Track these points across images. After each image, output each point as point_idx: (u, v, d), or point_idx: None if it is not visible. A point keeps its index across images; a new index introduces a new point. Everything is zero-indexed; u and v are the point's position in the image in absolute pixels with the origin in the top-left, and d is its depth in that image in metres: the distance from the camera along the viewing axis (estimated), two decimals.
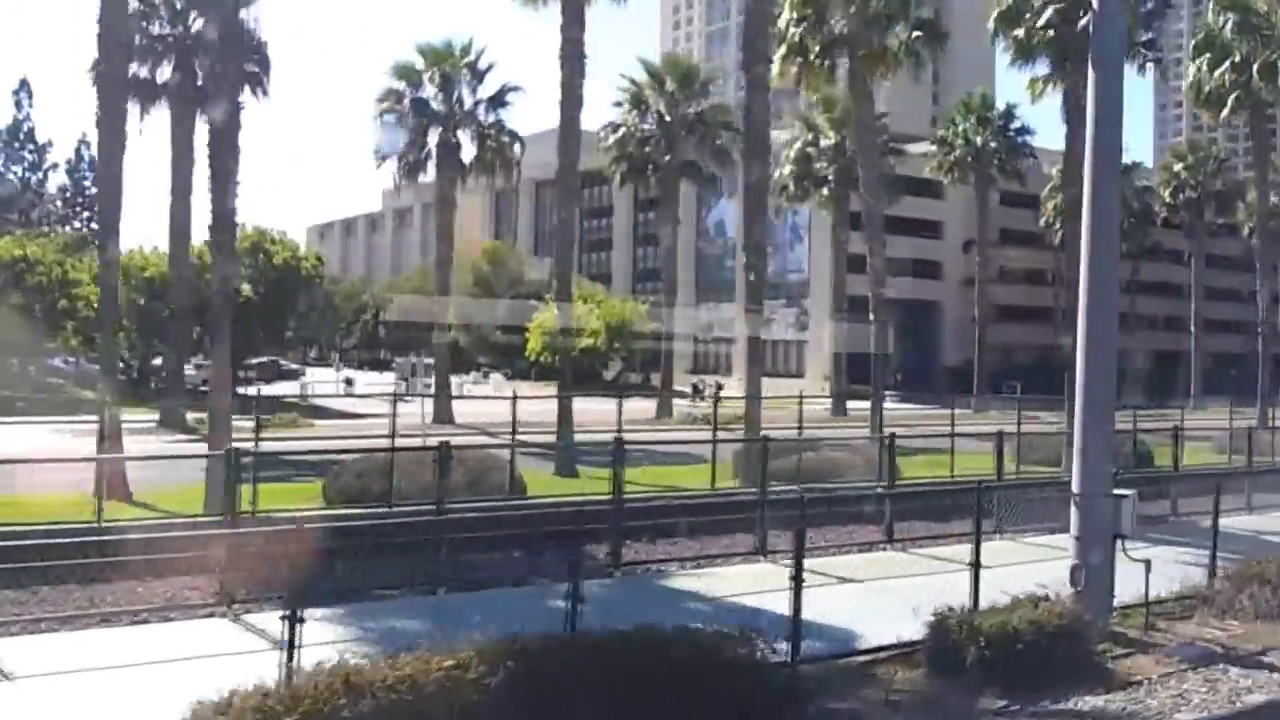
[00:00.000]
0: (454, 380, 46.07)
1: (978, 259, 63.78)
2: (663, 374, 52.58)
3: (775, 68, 30.41)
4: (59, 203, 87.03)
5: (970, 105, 62.76)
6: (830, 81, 36.46)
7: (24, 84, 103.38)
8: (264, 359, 64.32)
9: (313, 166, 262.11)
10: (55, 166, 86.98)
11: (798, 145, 54.05)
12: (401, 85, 42.66)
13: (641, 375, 79.41)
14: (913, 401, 55.71)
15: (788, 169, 54.05)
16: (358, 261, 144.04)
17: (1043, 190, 67.61)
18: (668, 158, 51.01)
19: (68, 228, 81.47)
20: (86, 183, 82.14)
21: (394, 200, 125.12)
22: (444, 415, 38.69)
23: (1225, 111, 41.42)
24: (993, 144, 61.11)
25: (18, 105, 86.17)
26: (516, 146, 44.19)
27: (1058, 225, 56.78)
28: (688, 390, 64.64)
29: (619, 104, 52.27)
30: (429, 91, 42.95)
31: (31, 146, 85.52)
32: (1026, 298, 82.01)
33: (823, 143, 53.88)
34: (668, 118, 51.32)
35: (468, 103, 43.11)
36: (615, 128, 51.58)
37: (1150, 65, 33.04)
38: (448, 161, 42.58)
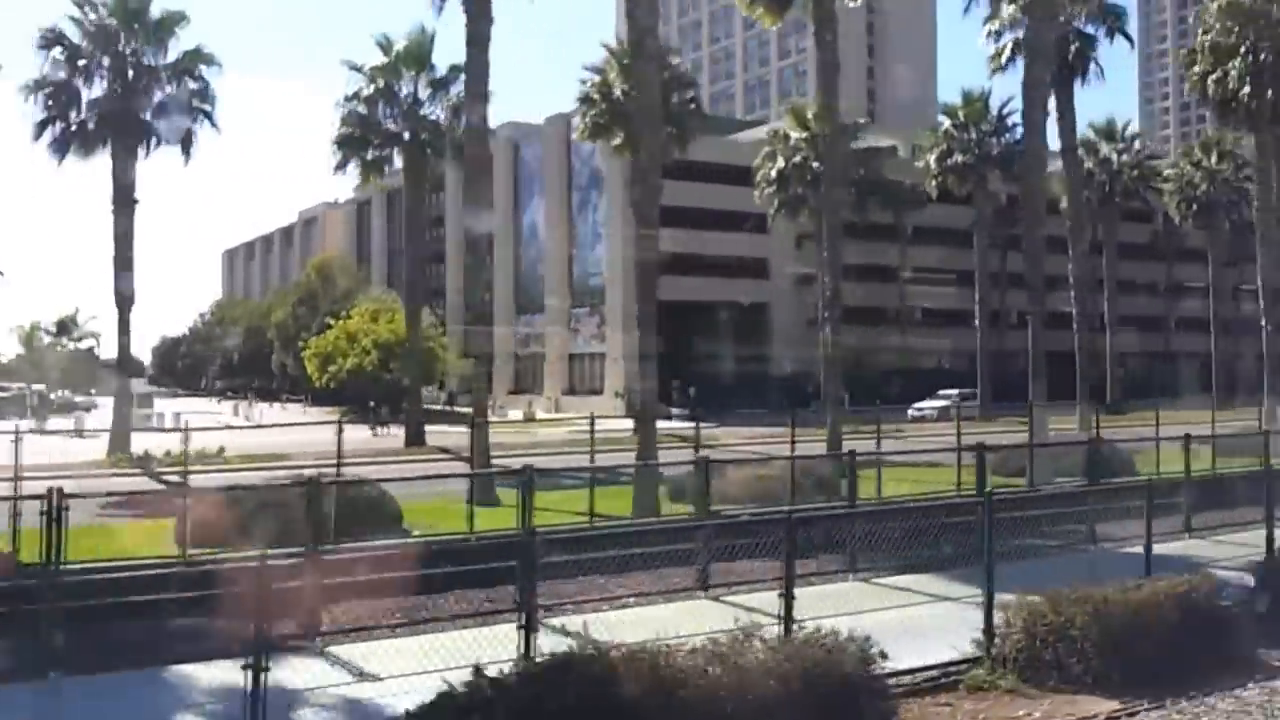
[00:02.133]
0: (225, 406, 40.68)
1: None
2: (477, 396, 47.10)
3: None
4: None
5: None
6: None
7: None
8: None
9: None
10: None
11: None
12: None
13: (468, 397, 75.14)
14: (728, 421, 51.65)
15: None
16: (258, 284, 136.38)
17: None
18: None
19: None
20: None
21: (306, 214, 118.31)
22: (121, 446, 33.49)
23: None
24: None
25: None
26: None
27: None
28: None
29: None
30: None
31: None
32: (868, 297, 74.61)
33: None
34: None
35: None
36: None
37: None
38: None
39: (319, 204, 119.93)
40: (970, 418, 42.16)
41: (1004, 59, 37.52)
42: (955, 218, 64.86)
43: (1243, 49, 32.53)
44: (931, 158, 57.58)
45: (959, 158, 56.38)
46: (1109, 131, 62.91)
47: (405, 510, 18.12)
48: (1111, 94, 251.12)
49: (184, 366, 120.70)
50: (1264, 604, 11.64)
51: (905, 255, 73.59)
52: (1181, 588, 10.68)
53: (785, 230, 65.26)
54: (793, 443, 27.72)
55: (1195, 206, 65.31)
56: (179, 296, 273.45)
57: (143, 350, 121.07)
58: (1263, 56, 32.25)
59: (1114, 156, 62.66)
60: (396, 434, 46.50)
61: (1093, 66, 38.19)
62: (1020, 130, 43.51)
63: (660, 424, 36.40)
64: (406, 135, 44.98)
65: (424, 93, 44.80)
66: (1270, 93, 32.14)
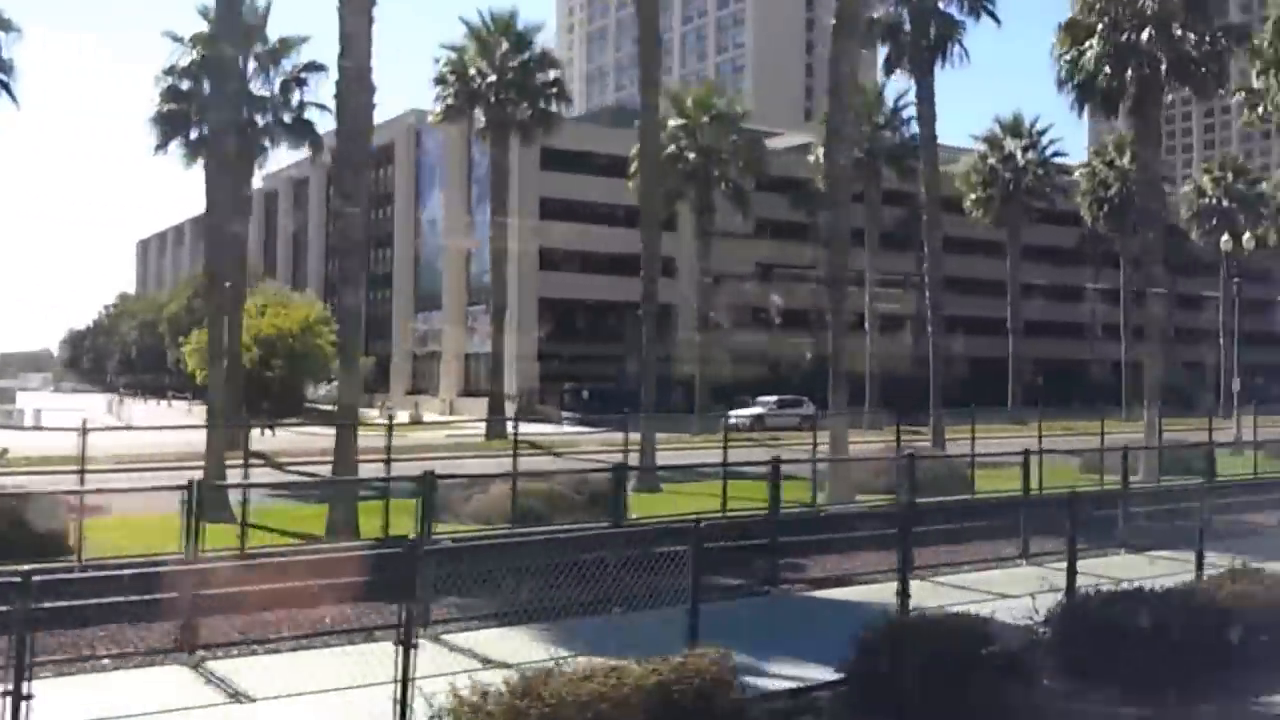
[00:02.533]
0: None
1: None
2: (344, 397, 43.92)
3: None
4: None
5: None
6: None
7: None
8: None
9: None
10: None
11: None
12: None
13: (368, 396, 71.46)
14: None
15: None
16: (170, 275, 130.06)
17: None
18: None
19: None
20: None
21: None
22: None
23: None
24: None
25: None
26: None
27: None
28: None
29: None
30: None
31: None
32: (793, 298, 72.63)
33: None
34: None
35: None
36: None
37: None
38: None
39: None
40: (790, 428, 39.08)
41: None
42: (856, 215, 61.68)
43: (1100, 28, 29.57)
44: (820, 151, 54.04)
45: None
46: (1015, 127, 60.12)
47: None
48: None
49: (88, 361, 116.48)
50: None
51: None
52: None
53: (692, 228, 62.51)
54: (627, 451, 25.17)
55: (1107, 208, 62.71)
56: (96, 288, 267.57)
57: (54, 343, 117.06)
58: (1124, 36, 29.36)
59: (1019, 153, 59.86)
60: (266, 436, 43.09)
61: (956, 50, 34.98)
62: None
63: (537, 428, 34.05)
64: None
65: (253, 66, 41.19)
66: (1130, 74, 29.28)
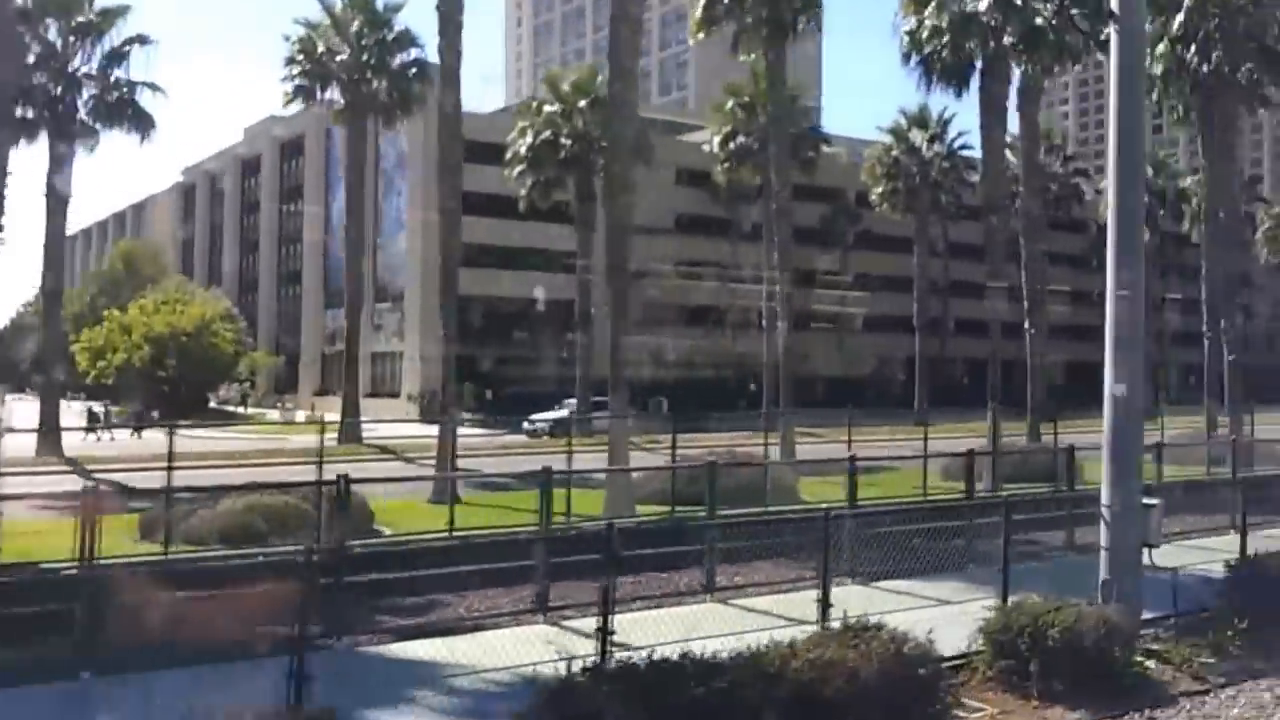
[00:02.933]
0: None
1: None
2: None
3: None
4: None
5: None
6: None
7: None
8: None
9: None
10: None
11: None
12: None
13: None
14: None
15: None
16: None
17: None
18: None
19: None
20: None
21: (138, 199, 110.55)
22: None
23: None
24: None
25: None
26: None
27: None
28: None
29: None
30: None
31: None
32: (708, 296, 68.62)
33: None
34: None
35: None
36: None
37: None
38: None
39: (166, 188, 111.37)
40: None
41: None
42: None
43: None
44: (716, 141, 51.58)
45: (743, 139, 49.95)
46: (921, 119, 57.65)
47: None
48: None
49: (2, 360, 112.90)
50: None
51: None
52: None
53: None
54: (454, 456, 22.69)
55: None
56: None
57: None
58: (963, 4, 26.92)
59: (924, 145, 57.47)
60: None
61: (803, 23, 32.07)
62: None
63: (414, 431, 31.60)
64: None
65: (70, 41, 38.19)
66: (972, 47, 26.85)
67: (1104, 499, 11.72)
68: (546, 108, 47.41)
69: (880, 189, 57.76)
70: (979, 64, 27.64)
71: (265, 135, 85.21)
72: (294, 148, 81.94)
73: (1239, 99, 33.69)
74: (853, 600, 11.51)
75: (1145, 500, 12.15)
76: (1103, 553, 11.60)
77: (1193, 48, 30.43)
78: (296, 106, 47.79)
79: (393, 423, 45.35)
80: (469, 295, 61.92)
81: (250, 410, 72.39)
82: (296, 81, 42.97)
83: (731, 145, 50.34)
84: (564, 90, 47.64)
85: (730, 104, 50.08)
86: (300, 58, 42.61)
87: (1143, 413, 12.49)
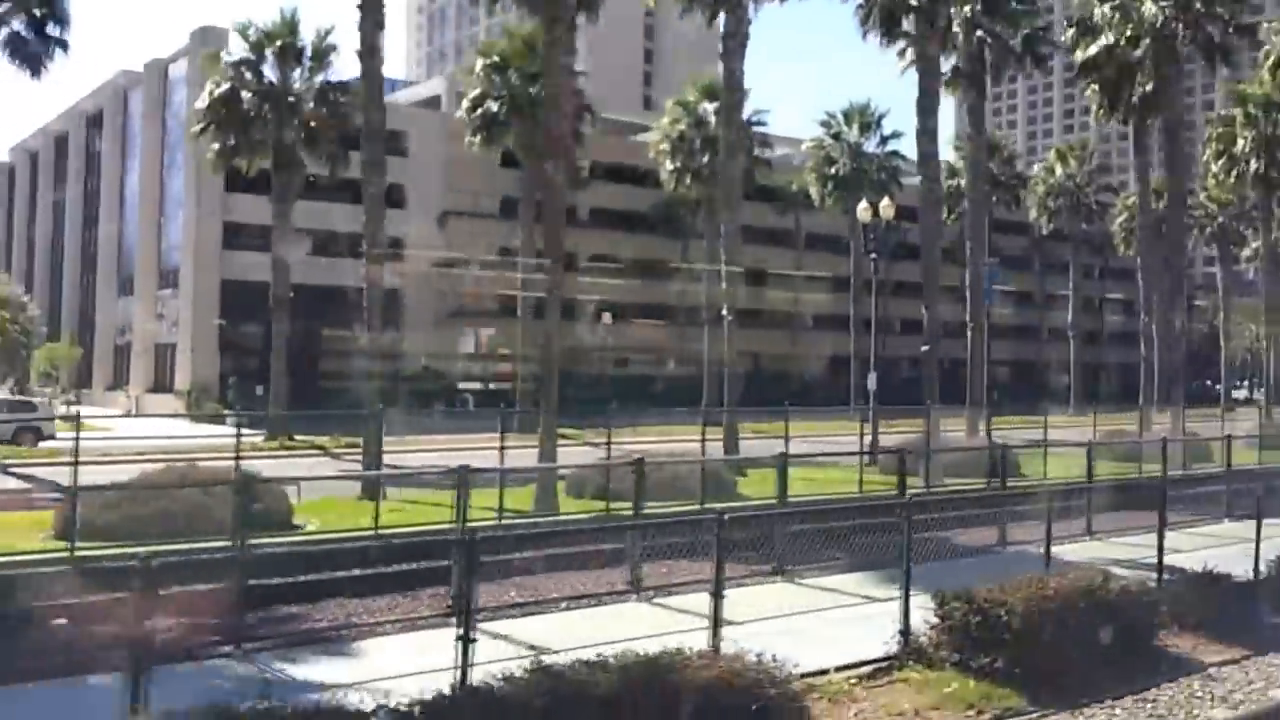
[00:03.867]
0: None
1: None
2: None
3: None
4: None
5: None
6: None
7: None
8: None
9: None
10: None
11: None
12: None
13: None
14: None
15: None
16: None
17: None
18: None
19: None
20: None
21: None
22: None
23: None
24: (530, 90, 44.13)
25: None
26: None
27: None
28: None
29: None
30: None
31: None
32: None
33: None
34: None
35: None
36: None
37: None
38: None
39: None
40: None
41: None
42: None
43: None
44: (655, 136, 50.65)
45: (683, 127, 48.41)
46: (862, 115, 57.15)
47: None
48: None
49: None
50: None
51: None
52: None
53: (422, 205, 57.10)
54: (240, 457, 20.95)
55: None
56: None
57: None
58: None
59: (860, 142, 57.28)
60: None
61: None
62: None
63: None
64: None
65: None
66: None
67: None
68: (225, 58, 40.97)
69: (815, 188, 57.47)
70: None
71: (76, 110, 79.13)
72: (94, 122, 76.36)
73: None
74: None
75: None
76: None
77: None
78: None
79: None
80: (245, 281, 53.45)
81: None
82: None
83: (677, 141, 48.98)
84: (250, 37, 40.60)
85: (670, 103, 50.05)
86: None
87: None
